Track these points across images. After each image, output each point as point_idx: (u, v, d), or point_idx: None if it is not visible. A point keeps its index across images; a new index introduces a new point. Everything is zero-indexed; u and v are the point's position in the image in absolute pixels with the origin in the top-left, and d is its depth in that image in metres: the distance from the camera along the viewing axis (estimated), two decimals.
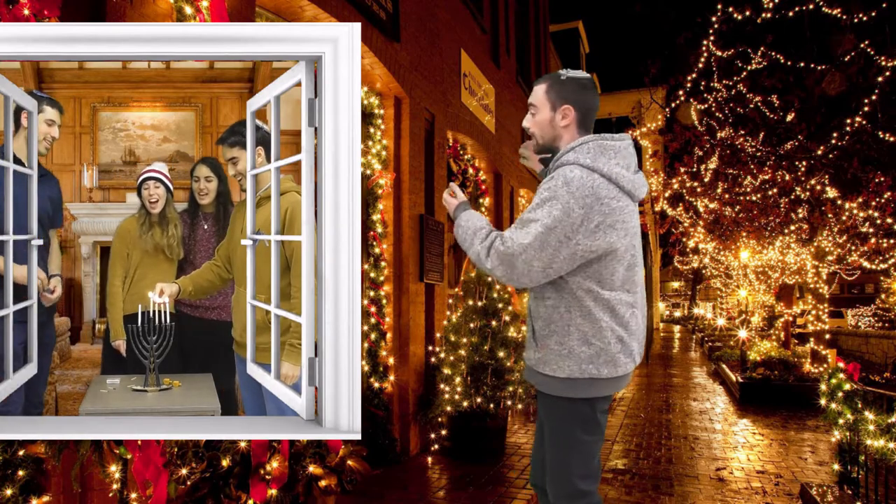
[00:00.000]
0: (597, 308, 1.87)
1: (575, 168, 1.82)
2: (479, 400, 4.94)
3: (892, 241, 8.84)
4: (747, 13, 8.08)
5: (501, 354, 5.10)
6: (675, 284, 48.79)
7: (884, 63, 7.47)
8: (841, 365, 4.17)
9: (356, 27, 2.35)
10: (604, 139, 1.88)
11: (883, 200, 7.98)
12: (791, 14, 7.97)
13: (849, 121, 7.89)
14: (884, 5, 7.54)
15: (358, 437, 2.31)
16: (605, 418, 2.00)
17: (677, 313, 50.46)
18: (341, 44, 2.34)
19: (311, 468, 2.51)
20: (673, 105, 9.56)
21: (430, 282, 5.69)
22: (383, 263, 4.99)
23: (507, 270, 1.86)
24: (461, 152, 7.46)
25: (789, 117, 8.79)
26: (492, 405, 4.96)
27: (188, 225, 3.16)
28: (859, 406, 3.75)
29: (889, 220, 8.10)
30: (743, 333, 10.90)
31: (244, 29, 2.41)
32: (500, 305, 5.34)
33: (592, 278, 1.87)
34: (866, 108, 7.75)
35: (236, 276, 2.93)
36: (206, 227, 3.16)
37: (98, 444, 2.23)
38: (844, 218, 8.59)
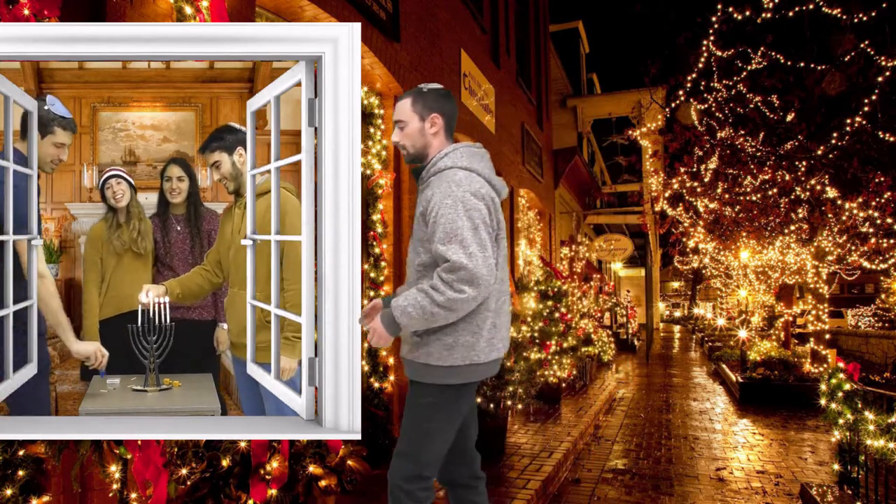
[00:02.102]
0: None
1: (458, 171, 1.99)
2: (478, 400, 4.94)
3: (892, 241, 8.83)
4: (747, 13, 8.07)
5: None
6: (675, 284, 48.76)
7: (884, 63, 7.46)
8: (841, 365, 4.17)
9: (356, 27, 2.35)
10: (470, 146, 2.09)
11: (883, 200, 7.97)
12: (791, 14, 7.95)
13: (849, 121, 7.88)
14: (884, 5, 7.53)
15: (358, 437, 2.31)
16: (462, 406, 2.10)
17: (677, 313, 50.44)
18: (341, 44, 2.33)
19: (311, 468, 2.51)
20: (673, 105, 9.55)
21: None
22: (383, 263, 4.99)
23: (476, 287, 1.85)
24: None
25: (789, 117, 8.78)
26: (492, 405, 4.96)
27: (160, 228, 3.16)
28: (859, 406, 3.75)
29: (889, 220, 8.08)
30: (743, 333, 10.90)
31: (244, 29, 2.41)
32: None
33: None
34: (866, 108, 7.74)
35: (231, 277, 2.93)
36: (178, 228, 3.17)
37: (98, 444, 2.23)
38: (844, 218, 8.58)
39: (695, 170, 10.06)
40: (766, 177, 8.88)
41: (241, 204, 2.88)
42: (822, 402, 4.12)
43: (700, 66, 8.80)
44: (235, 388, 3.07)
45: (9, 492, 2.02)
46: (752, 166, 8.97)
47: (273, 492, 2.43)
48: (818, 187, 8.45)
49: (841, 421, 3.92)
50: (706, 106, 9.29)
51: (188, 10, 2.69)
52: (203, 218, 3.19)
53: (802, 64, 8.11)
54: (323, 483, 2.50)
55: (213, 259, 3.00)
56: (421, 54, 5.76)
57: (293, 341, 2.64)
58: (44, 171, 2.55)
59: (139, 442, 2.21)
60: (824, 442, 6.21)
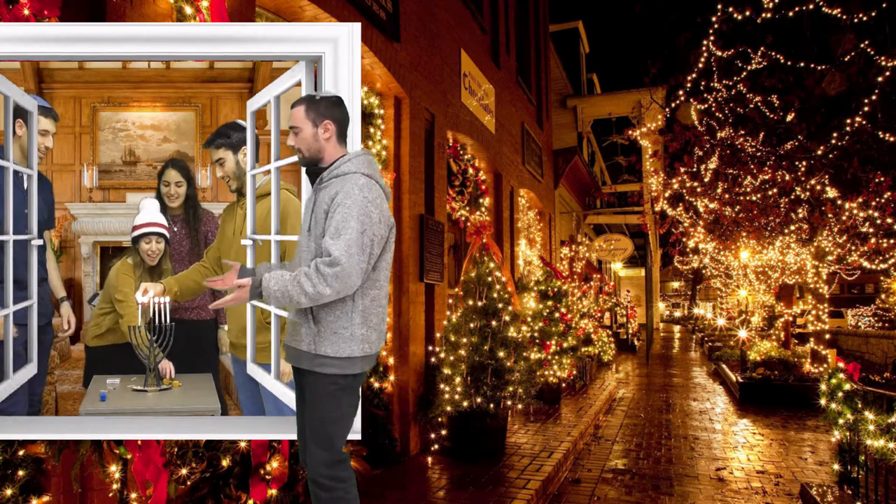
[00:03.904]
0: (367, 297, 2.13)
1: (360, 176, 2.13)
2: (479, 400, 4.94)
3: (892, 241, 8.82)
4: (747, 13, 8.06)
5: (501, 354, 5.10)
6: (675, 284, 48.78)
7: (884, 63, 7.45)
8: (841, 365, 4.17)
9: (356, 27, 2.35)
10: (368, 155, 2.24)
11: (883, 200, 7.96)
12: (791, 14, 7.94)
13: (849, 121, 7.87)
14: (884, 5, 7.52)
15: (358, 436, 2.31)
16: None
17: (677, 313, 50.44)
18: (341, 44, 2.34)
19: None
20: (673, 105, 9.54)
21: (430, 282, 5.69)
22: None
23: (344, 285, 2.00)
24: (461, 152, 7.46)
25: (789, 117, 8.77)
26: (492, 405, 4.96)
27: None
28: (859, 406, 3.75)
29: (889, 220, 8.08)
30: (743, 333, 10.90)
31: (244, 29, 2.41)
32: (500, 305, 5.34)
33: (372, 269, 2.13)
34: (866, 108, 7.73)
35: None
36: (175, 230, 3.16)
37: (98, 444, 2.22)
38: (844, 218, 8.57)
39: (695, 170, 10.05)
40: (766, 177, 8.87)
41: (242, 204, 2.88)
42: (822, 402, 4.12)
43: (700, 66, 8.79)
44: (234, 388, 3.07)
45: (9, 492, 2.02)
46: (752, 166, 8.96)
47: (273, 492, 2.43)
48: (818, 187, 8.44)
49: (841, 421, 3.92)
50: (706, 106, 9.28)
51: (188, 10, 2.69)
52: (201, 220, 3.18)
53: (802, 64, 8.10)
54: None
55: (214, 256, 3.00)
56: (421, 54, 5.76)
57: None
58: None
59: (139, 442, 2.21)
60: (824, 442, 6.21)
